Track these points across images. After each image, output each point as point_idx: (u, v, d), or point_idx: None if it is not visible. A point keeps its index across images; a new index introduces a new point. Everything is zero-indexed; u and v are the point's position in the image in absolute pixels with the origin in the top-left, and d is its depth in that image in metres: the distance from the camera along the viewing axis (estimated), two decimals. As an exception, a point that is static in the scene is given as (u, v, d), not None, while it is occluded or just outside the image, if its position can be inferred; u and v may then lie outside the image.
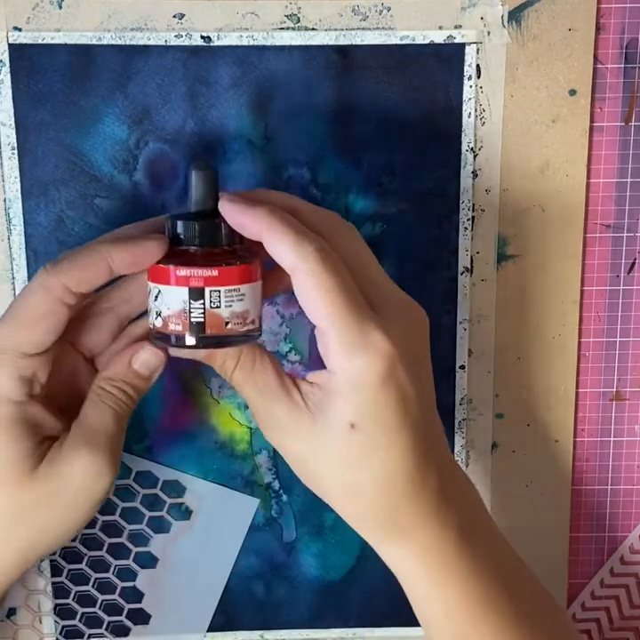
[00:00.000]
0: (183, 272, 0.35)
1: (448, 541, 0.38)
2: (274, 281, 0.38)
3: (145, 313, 0.39)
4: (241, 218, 0.35)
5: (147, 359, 0.39)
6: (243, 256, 0.36)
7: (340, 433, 0.36)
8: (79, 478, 0.37)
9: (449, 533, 0.38)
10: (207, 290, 0.35)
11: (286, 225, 0.35)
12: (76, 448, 0.37)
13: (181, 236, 0.36)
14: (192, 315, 0.35)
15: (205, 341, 0.36)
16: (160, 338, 0.37)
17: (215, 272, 0.35)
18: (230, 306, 0.36)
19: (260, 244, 0.36)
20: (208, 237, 0.36)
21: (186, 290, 0.35)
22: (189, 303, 0.35)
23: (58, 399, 0.39)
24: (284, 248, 0.34)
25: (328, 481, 0.38)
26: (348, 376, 0.35)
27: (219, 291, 0.35)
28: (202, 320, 0.35)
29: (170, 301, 0.36)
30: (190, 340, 0.36)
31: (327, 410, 0.36)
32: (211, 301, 0.35)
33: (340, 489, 0.37)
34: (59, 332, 0.37)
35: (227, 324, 0.36)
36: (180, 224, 0.36)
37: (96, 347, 0.40)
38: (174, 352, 0.39)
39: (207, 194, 0.37)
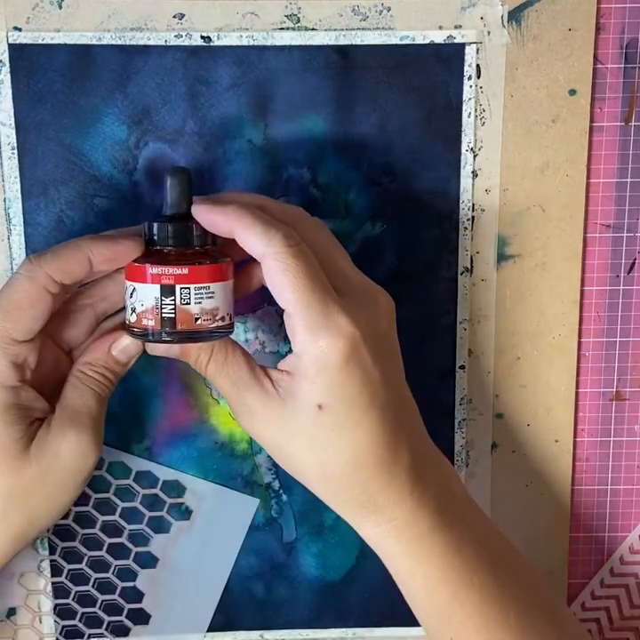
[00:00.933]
0: (156, 270, 0.37)
1: (424, 518, 0.39)
2: (245, 280, 0.40)
3: (120, 311, 0.41)
4: (212, 217, 0.38)
5: (126, 346, 0.41)
6: (214, 256, 0.39)
7: (309, 415, 0.37)
8: (67, 457, 0.39)
9: (425, 510, 0.39)
10: (178, 287, 0.37)
11: (255, 217, 0.37)
12: (63, 429, 0.40)
13: (156, 237, 0.39)
14: (163, 311, 0.37)
15: (176, 336, 0.38)
16: (134, 333, 0.39)
17: (185, 270, 0.37)
18: (200, 303, 0.38)
19: (232, 245, 0.38)
20: (181, 238, 0.38)
21: (158, 287, 0.37)
22: (161, 300, 0.37)
23: (43, 385, 0.41)
24: (253, 236, 0.36)
25: (302, 463, 0.39)
26: (312, 358, 0.37)
27: (189, 288, 0.37)
28: (172, 316, 0.38)
29: (143, 298, 0.38)
30: (162, 335, 0.38)
31: (296, 393, 0.37)
32: (181, 298, 0.37)
33: (314, 470, 0.39)
34: (45, 320, 0.39)
35: (197, 319, 0.38)
36: (154, 226, 0.39)
37: (74, 340, 0.42)
38: (150, 350, 0.41)
39: (181, 198, 0.39)
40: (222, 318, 0.38)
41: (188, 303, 0.37)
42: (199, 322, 0.38)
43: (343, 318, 0.36)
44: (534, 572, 0.42)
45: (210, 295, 0.38)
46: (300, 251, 0.36)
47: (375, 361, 0.37)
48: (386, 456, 0.38)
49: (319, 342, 0.36)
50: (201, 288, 0.38)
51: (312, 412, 0.37)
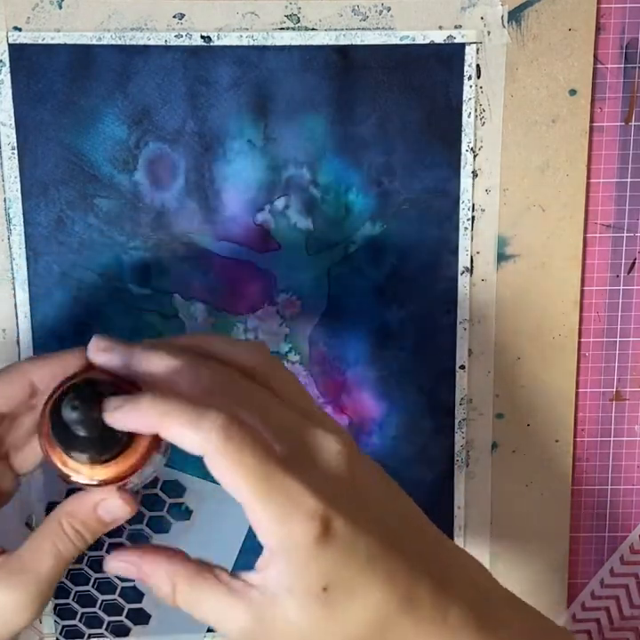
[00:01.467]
0: (65, 470, 0.34)
1: (467, 636, 0.34)
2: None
3: None
4: (129, 423, 0.32)
5: (114, 509, 0.36)
6: (129, 453, 0.34)
7: (314, 603, 0.32)
8: None
9: (465, 630, 0.34)
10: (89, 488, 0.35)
11: (179, 409, 0.31)
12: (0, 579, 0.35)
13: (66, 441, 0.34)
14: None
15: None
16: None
17: (94, 482, 0.34)
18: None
19: None
20: (91, 452, 0.34)
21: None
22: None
23: None
24: (184, 438, 0.32)
25: None
26: (283, 548, 0.32)
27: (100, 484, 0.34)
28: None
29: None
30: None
31: (279, 589, 0.32)
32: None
33: None
34: None
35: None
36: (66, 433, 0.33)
37: (14, 443, 0.38)
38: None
39: (90, 425, 0.33)
40: (141, 481, 0.36)
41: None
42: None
43: (307, 497, 0.31)
44: None
45: (124, 484, 0.35)
46: (243, 438, 0.31)
47: (359, 526, 0.32)
48: (403, 605, 0.33)
49: (284, 529, 0.31)
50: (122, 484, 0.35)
51: (318, 597, 0.32)
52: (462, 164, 0.45)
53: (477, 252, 0.46)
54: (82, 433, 0.33)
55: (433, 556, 0.35)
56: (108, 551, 0.48)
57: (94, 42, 0.43)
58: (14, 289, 0.45)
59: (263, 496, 0.31)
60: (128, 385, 0.34)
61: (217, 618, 0.34)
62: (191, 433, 0.31)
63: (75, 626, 0.49)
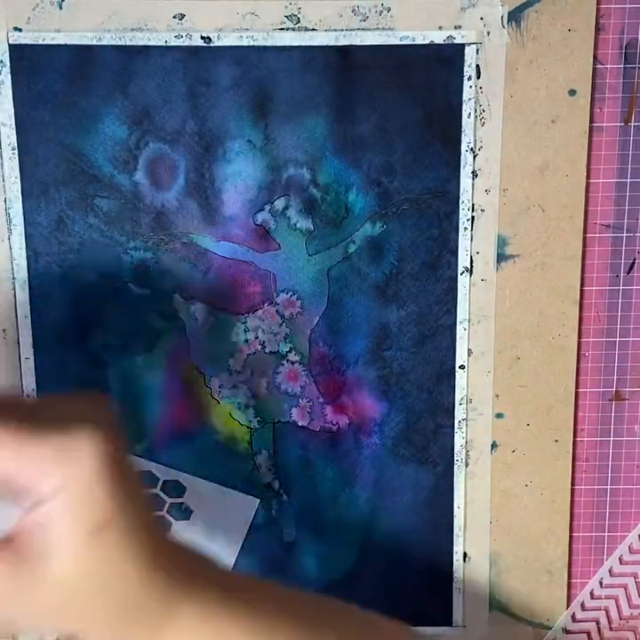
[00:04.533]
0: None
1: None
2: None
3: None
4: None
5: None
6: None
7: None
8: None
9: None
10: None
11: None
12: None
13: None
14: None
15: None
16: None
17: None
18: None
19: None
20: None
21: None
22: None
23: None
24: None
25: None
26: None
27: None
28: None
29: None
30: None
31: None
32: None
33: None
34: None
35: None
36: None
37: None
38: None
39: None
40: None
41: None
42: None
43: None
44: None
45: None
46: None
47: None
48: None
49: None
50: None
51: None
52: (462, 163, 0.45)
53: (477, 252, 0.46)
54: None
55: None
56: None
57: (94, 42, 0.43)
58: (14, 289, 0.45)
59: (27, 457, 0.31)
60: None
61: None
62: None
63: (75, 626, 0.49)
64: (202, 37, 0.43)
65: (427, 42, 0.43)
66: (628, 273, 0.47)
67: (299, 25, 0.43)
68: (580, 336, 0.47)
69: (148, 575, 0.34)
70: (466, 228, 0.46)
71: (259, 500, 0.48)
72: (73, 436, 0.31)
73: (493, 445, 0.48)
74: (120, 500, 0.32)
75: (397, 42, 0.43)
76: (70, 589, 0.33)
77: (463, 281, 0.46)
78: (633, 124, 0.45)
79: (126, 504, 0.33)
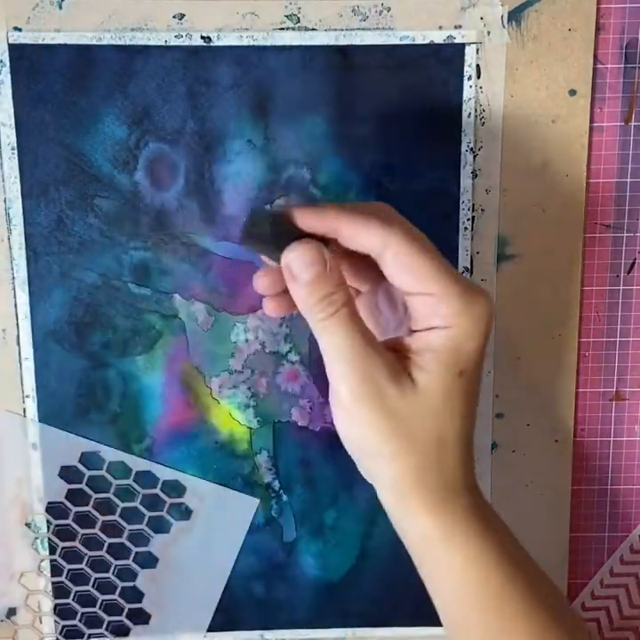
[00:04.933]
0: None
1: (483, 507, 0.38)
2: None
3: None
4: (316, 222, 0.36)
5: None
6: None
7: (446, 384, 0.36)
8: None
9: (479, 500, 0.38)
10: None
11: (361, 214, 0.36)
12: None
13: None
14: None
15: None
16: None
17: None
18: None
19: None
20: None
21: None
22: None
23: None
24: (370, 232, 0.35)
25: (417, 440, 0.36)
26: (467, 323, 0.36)
27: None
28: None
29: None
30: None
31: (432, 363, 0.36)
32: None
33: (428, 444, 0.36)
34: None
35: None
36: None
37: None
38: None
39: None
40: None
41: None
42: None
43: (481, 289, 0.36)
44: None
45: None
46: (421, 234, 0.36)
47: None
48: (470, 441, 0.37)
49: (475, 308, 0.35)
50: None
51: (450, 380, 0.36)
52: (462, 163, 0.45)
53: (477, 252, 0.46)
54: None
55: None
56: (108, 551, 0.48)
57: (94, 42, 0.43)
58: (14, 289, 0.45)
59: (452, 278, 0.36)
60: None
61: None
62: (377, 230, 0.35)
63: (75, 626, 0.49)
64: (202, 37, 0.43)
65: (427, 42, 0.43)
66: (628, 273, 0.47)
67: (299, 25, 0.43)
68: (580, 336, 0.47)
69: (465, 446, 0.37)
70: (466, 228, 0.46)
71: (259, 500, 0.48)
72: (475, 287, 0.36)
73: (493, 445, 0.48)
74: (480, 362, 0.37)
75: (397, 42, 0.43)
76: (419, 406, 0.36)
77: (463, 281, 0.46)
78: (633, 123, 0.45)
79: (479, 369, 0.37)
